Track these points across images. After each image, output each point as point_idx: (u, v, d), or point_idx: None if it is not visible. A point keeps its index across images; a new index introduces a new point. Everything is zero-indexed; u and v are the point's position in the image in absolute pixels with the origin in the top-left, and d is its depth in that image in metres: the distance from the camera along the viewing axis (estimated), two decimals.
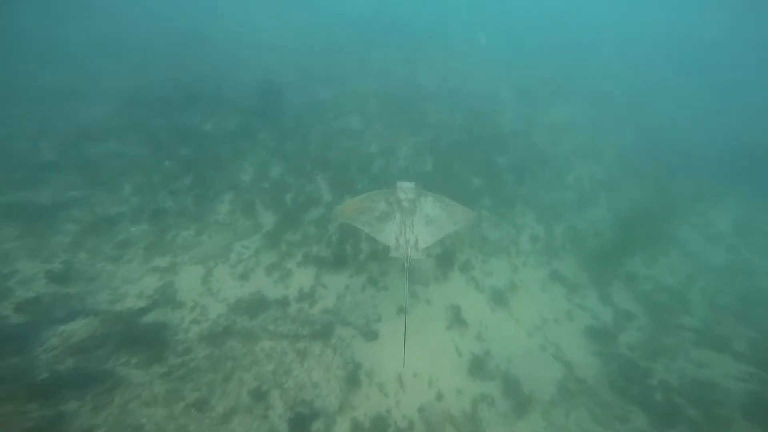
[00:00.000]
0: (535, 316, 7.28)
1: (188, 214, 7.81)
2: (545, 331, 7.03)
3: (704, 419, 5.78)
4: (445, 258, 7.85)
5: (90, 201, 7.93)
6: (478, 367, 6.17)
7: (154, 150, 9.22)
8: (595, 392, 6.05)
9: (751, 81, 21.55)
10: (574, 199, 10.16)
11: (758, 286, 8.46)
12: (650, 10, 40.91)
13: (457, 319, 6.88)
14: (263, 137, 10.20)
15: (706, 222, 10.18)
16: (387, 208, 6.48)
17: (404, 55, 18.53)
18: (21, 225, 7.15)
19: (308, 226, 8.02)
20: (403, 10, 26.80)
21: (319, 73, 15.24)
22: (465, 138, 11.14)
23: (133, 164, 8.83)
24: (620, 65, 22.33)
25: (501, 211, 9.15)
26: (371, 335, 6.34)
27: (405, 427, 5.26)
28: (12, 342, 5.23)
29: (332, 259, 7.42)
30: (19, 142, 9.18)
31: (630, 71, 21.47)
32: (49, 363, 5.09)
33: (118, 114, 10.58)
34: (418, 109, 12.49)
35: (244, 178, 8.71)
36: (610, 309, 7.56)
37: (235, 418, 4.94)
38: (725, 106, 18.15)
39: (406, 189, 6.86)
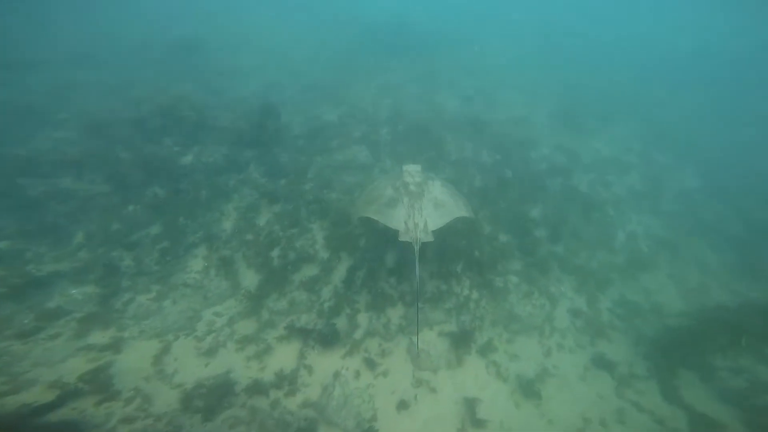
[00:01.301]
0: (573, 415, 6.60)
1: (150, 274, 7.52)
2: None
3: None
4: (462, 338, 7.31)
5: (22, 255, 7.43)
6: None
7: (116, 190, 8.89)
8: None
9: None
10: (625, 262, 9.57)
11: None
12: (701, 18, 40.40)
13: (471, 418, 6.26)
14: (253, 173, 10.09)
15: None
16: (394, 193, 7.11)
17: (422, 68, 18.70)
18: None
19: (297, 290, 7.69)
20: (420, 18, 27.37)
21: (325, 90, 15.37)
22: (491, 182, 10.72)
23: (87, 208, 8.46)
24: (667, 80, 21.98)
25: (532, 277, 8.60)
26: None
27: None
28: None
29: (322, 334, 6.98)
30: None
31: (681, 89, 21.08)
32: None
33: (80, 141, 10.10)
34: (435, 140, 12.16)
35: (225, 227, 8.51)
36: (681, 411, 6.73)
37: None
38: None
39: (412, 172, 7.55)
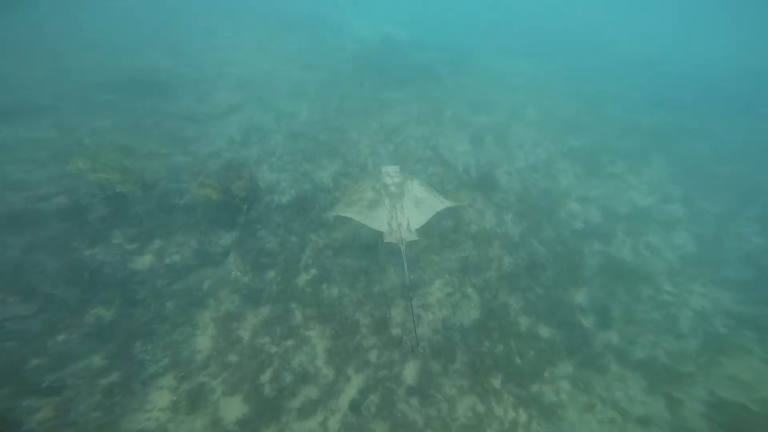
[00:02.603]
0: None
1: (86, 423, 6.33)
2: None
3: None
4: None
5: None
6: None
7: (39, 313, 7.46)
8: None
9: None
10: (701, 349, 8.78)
11: None
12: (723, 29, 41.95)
13: None
14: (233, 269, 9.18)
15: None
16: (375, 195, 7.96)
17: (422, 102, 18.57)
18: None
19: (295, 422, 6.78)
20: (416, 40, 28.11)
21: (315, 137, 14.72)
22: (522, 263, 10.10)
23: None
24: (694, 105, 22.15)
25: (588, 380, 7.78)
26: None
27: None
28: None
29: None
30: None
31: (712, 115, 21.17)
32: None
33: None
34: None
35: (199, 347, 7.59)
36: None
37: None
38: None
39: (391, 173, 8.49)
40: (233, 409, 6.91)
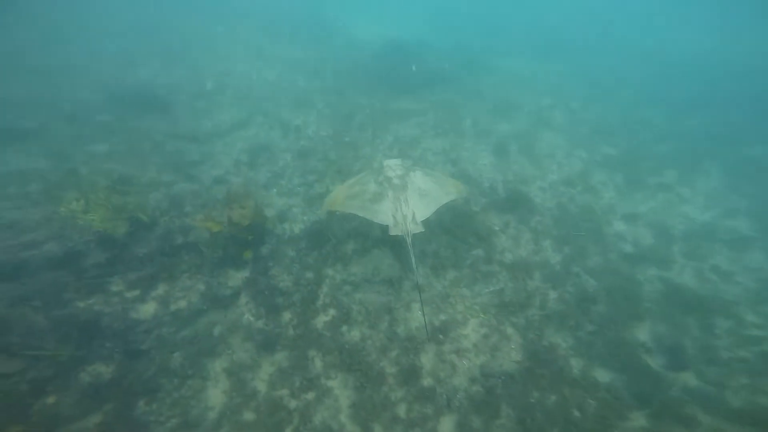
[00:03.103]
0: None
1: None
2: None
3: None
4: None
5: None
6: None
7: (26, 372, 6.76)
8: None
9: None
10: None
11: None
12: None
13: None
14: (245, 313, 8.70)
15: None
16: (378, 188, 8.44)
17: (439, 110, 18.10)
18: None
19: None
20: (429, 41, 28.04)
21: (326, 155, 14.14)
22: (570, 299, 9.37)
23: None
24: (744, 104, 21.21)
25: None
26: None
27: None
28: None
29: None
30: None
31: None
32: None
33: None
34: (479, 229, 10.83)
35: (212, 403, 7.05)
36: None
37: None
38: None
39: (393, 166, 8.96)
40: None
